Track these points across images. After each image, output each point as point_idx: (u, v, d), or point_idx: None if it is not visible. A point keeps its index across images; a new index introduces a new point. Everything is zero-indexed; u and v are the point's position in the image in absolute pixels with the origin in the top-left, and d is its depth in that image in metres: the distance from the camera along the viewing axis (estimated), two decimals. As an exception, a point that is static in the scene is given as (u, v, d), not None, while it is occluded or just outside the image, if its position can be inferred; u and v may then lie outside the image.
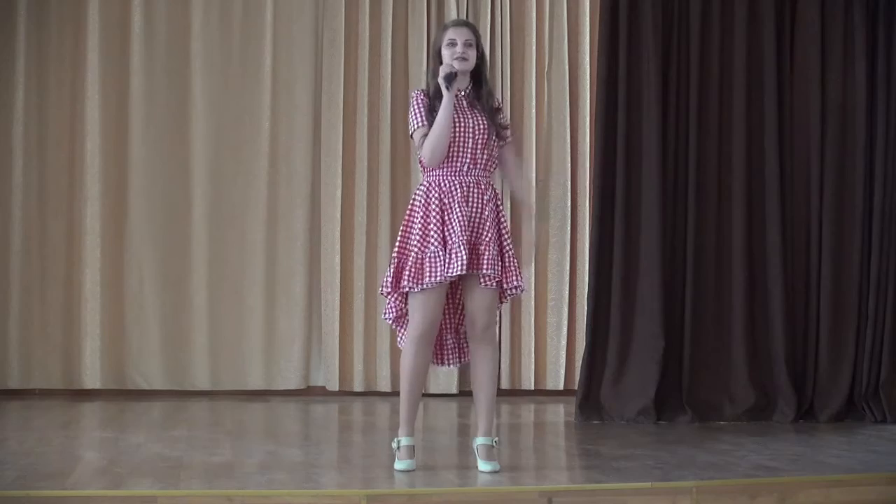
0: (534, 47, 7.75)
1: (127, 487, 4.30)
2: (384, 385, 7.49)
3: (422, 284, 4.61)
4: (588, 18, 7.77)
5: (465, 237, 4.61)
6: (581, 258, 7.65)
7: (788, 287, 6.61)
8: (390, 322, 4.79)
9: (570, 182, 7.75)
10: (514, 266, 4.74)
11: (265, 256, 7.56)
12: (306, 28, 7.63)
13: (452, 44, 4.71)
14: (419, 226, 4.66)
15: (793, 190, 6.69)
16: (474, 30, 4.78)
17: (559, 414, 6.93)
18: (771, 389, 6.58)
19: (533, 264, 7.65)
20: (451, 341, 4.85)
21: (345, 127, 7.58)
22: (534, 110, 7.72)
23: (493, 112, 4.78)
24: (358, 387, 7.55)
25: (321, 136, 7.60)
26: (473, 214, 4.67)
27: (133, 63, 7.47)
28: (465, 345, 4.87)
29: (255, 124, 7.58)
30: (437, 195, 4.67)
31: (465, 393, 7.44)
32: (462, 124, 4.69)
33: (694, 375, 6.56)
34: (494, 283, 4.67)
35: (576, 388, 6.75)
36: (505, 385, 7.65)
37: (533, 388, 7.66)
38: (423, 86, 4.89)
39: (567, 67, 7.77)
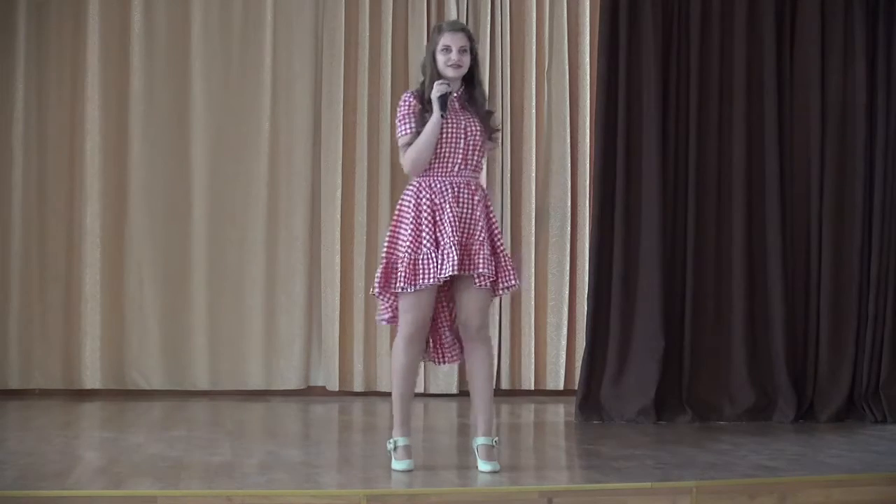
0: (534, 47, 7.75)
1: (127, 487, 4.30)
2: (384, 385, 7.48)
3: (415, 286, 4.61)
4: (588, 18, 7.77)
5: (457, 238, 4.61)
6: (581, 258, 7.65)
7: (788, 287, 6.61)
8: (385, 323, 4.79)
9: (570, 182, 7.75)
10: (509, 264, 4.72)
11: (265, 256, 7.56)
12: (306, 28, 7.63)
13: (447, 49, 4.71)
14: (410, 227, 4.66)
15: (793, 190, 6.69)
16: (469, 34, 4.78)
17: (559, 414, 6.93)
18: (771, 389, 6.58)
19: (532, 264, 7.67)
20: (448, 339, 4.85)
21: (345, 127, 7.58)
22: (534, 110, 7.72)
23: (486, 113, 4.80)
24: (358, 387, 7.55)
25: (321, 136, 7.60)
26: (465, 214, 4.67)
27: (133, 63, 7.47)
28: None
29: (255, 124, 7.58)
30: (427, 196, 4.67)
31: (465, 393, 7.41)
32: (454, 126, 4.69)
33: (694, 375, 6.56)
34: (488, 283, 4.66)
35: (576, 388, 6.75)
36: (505, 385, 7.65)
37: (533, 388, 7.66)
38: (416, 85, 4.86)
39: (567, 67, 7.77)
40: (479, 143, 4.74)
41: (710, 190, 6.64)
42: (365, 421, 6.68)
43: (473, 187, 4.73)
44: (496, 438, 4.78)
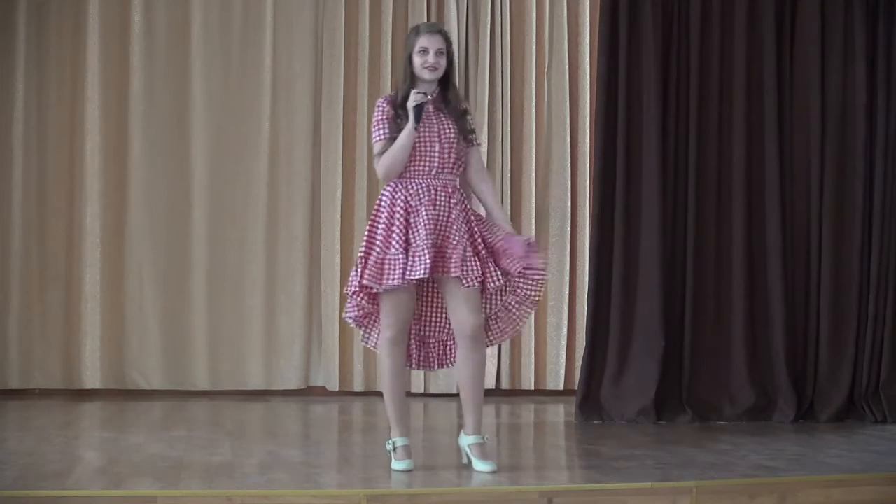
0: (534, 47, 7.75)
1: (127, 487, 4.30)
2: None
3: (380, 284, 4.61)
4: (588, 18, 7.77)
5: (431, 241, 4.60)
6: (581, 258, 7.65)
7: (788, 287, 6.61)
8: (351, 321, 4.79)
9: (570, 182, 7.75)
10: (491, 265, 4.67)
11: (265, 256, 7.56)
12: (306, 28, 7.63)
13: (424, 51, 4.71)
14: (383, 227, 4.68)
15: (793, 190, 6.69)
16: (446, 37, 4.77)
17: (559, 414, 6.93)
18: (771, 389, 6.58)
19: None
20: (451, 342, 4.85)
21: (345, 127, 7.59)
22: (534, 110, 7.72)
23: (459, 115, 4.77)
24: (358, 387, 7.55)
25: (321, 136, 7.60)
26: (440, 217, 4.66)
27: (133, 63, 7.47)
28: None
29: (255, 124, 7.58)
30: (402, 197, 4.68)
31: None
32: (427, 129, 4.69)
33: (694, 375, 6.56)
34: (476, 283, 4.63)
35: (576, 388, 6.75)
36: (505, 385, 7.66)
37: (533, 388, 7.66)
38: (392, 91, 4.86)
39: (567, 67, 7.77)
40: (454, 145, 4.73)
41: (710, 190, 6.63)
42: (365, 421, 6.67)
43: (451, 189, 4.72)
44: (486, 436, 4.76)
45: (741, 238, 6.60)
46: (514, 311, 4.80)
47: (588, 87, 7.74)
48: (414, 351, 4.88)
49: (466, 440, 4.76)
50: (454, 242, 4.63)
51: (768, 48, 6.65)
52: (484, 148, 7.59)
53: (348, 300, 4.76)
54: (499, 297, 4.77)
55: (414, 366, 4.91)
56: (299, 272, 7.58)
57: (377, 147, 4.73)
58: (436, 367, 4.91)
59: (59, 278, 7.43)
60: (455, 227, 4.65)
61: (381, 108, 4.76)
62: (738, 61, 6.64)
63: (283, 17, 7.62)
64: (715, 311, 6.61)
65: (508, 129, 7.69)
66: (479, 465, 4.67)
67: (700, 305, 6.59)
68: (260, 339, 7.54)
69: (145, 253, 7.48)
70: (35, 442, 5.46)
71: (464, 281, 4.60)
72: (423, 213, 4.64)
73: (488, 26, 7.68)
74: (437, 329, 4.86)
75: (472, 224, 4.73)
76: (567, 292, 7.70)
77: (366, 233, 4.74)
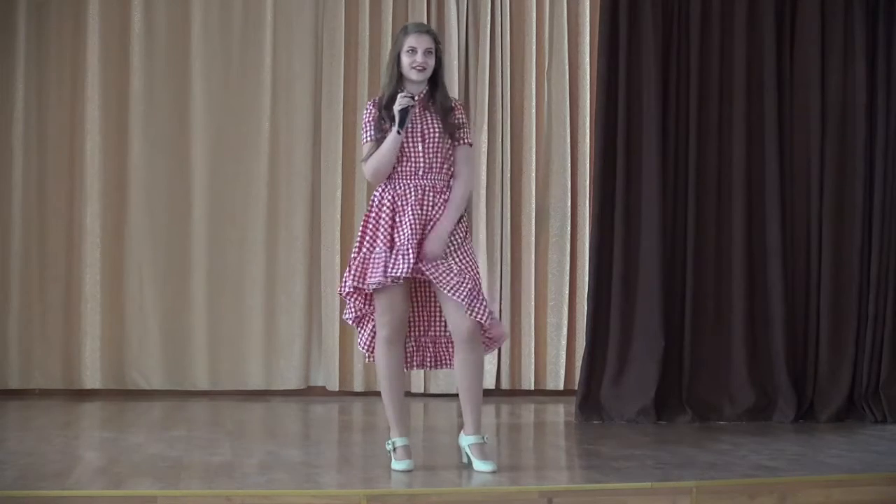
0: (534, 47, 7.75)
1: (127, 487, 4.30)
2: (384, 385, 7.48)
3: (364, 283, 4.64)
4: (588, 18, 7.77)
5: (416, 240, 4.62)
6: (581, 258, 7.65)
7: (788, 287, 6.61)
8: (351, 322, 4.81)
9: (570, 182, 7.75)
10: (456, 271, 4.65)
11: (265, 256, 7.56)
12: (306, 28, 7.63)
13: (412, 51, 4.71)
14: (371, 228, 4.71)
15: (793, 190, 6.69)
16: (435, 36, 4.78)
17: (559, 414, 6.93)
18: (771, 389, 6.58)
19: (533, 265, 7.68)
20: (443, 341, 4.86)
21: (345, 127, 7.59)
22: (534, 110, 7.72)
23: (446, 112, 4.76)
24: (358, 387, 7.55)
25: (321, 136, 7.60)
26: (426, 217, 4.68)
27: (133, 63, 7.47)
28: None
29: (255, 124, 7.58)
30: (390, 198, 4.70)
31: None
32: (411, 128, 4.70)
33: (694, 375, 6.56)
34: (454, 294, 4.61)
35: (576, 388, 6.75)
36: (505, 385, 7.66)
37: (533, 388, 7.66)
38: (380, 90, 4.86)
39: (567, 67, 7.77)
40: (439, 144, 4.73)
41: (710, 190, 6.63)
42: (365, 421, 6.68)
43: (439, 189, 4.73)
44: (486, 435, 4.77)
45: (741, 238, 6.60)
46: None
47: (588, 87, 7.73)
48: (410, 351, 4.88)
49: (466, 440, 4.76)
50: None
51: (768, 48, 6.65)
52: (484, 148, 7.61)
53: (347, 301, 4.78)
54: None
55: (409, 366, 4.91)
56: (299, 272, 7.58)
57: (364, 150, 4.78)
58: (430, 366, 4.91)
59: (59, 278, 7.43)
60: (431, 227, 4.68)
61: (367, 111, 4.80)
62: (738, 61, 6.64)
63: (283, 17, 7.62)
64: (715, 312, 6.61)
65: (508, 129, 7.69)
66: (480, 465, 4.67)
67: (700, 305, 6.59)
68: (260, 339, 7.54)
69: (145, 253, 7.48)
70: (35, 442, 5.46)
71: (445, 291, 4.61)
72: (409, 212, 4.66)
73: (488, 26, 7.68)
74: (428, 327, 4.87)
75: (461, 224, 4.74)
76: (567, 292, 7.70)
77: (357, 235, 4.77)
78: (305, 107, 7.61)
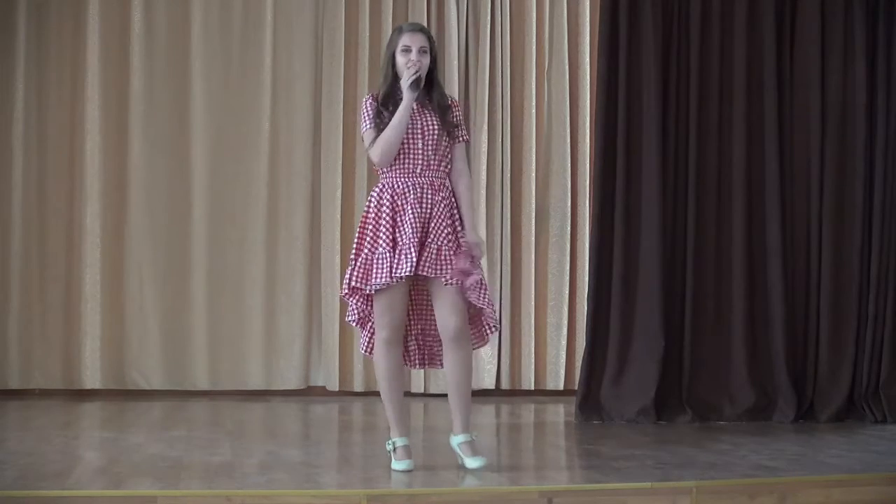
0: (534, 47, 7.75)
1: (127, 487, 4.31)
2: (384, 385, 7.47)
3: (368, 284, 4.63)
4: (588, 18, 7.77)
5: (417, 238, 4.62)
6: (581, 258, 7.65)
7: (788, 287, 6.61)
8: (354, 324, 4.80)
9: (570, 182, 7.75)
10: (452, 263, 4.67)
11: (265, 256, 7.56)
12: (306, 28, 7.63)
13: (407, 50, 4.73)
14: (371, 228, 4.70)
15: (793, 190, 6.69)
16: (429, 35, 4.80)
17: (559, 414, 6.93)
18: (771, 389, 6.58)
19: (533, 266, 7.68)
20: (430, 340, 4.86)
21: (345, 127, 7.59)
22: (534, 110, 7.72)
23: (444, 110, 4.78)
24: (358, 387, 7.55)
25: (321, 136, 7.60)
26: (425, 215, 4.67)
27: (133, 63, 7.48)
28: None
29: (255, 124, 7.58)
30: (389, 196, 4.70)
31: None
32: (411, 125, 4.71)
33: (694, 375, 6.56)
34: (452, 281, 4.64)
35: (576, 388, 6.75)
36: (505, 385, 7.65)
37: (533, 388, 7.66)
38: (377, 88, 4.87)
39: (567, 67, 7.77)
40: (438, 141, 4.74)
41: (710, 190, 6.63)
42: (365, 421, 6.68)
43: (437, 186, 4.73)
44: (475, 433, 4.76)
45: (741, 238, 6.60)
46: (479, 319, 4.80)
47: (588, 87, 7.73)
48: (413, 350, 4.88)
49: (456, 440, 4.76)
50: (430, 240, 4.65)
51: (768, 48, 6.65)
52: (484, 148, 7.61)
53: (349, 303, 4.77)
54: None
55: (412, 365, 4.91)
56: (299, 272, 7.58)
57: (368, 137, 4.76)
58: (438, 364, 4.90)
59: (59, 278, 7.43)
60: (433, 224, 4.67)
61: (366, 104, 4.80)
62: (738, 61, 6.64)
63: (283, 17, 7.62)
64: (715, 312, 6.61)
65: (508, 129, 7.69)
66: (470, 462, 4.66)
67: (700, 305, 6.59)
68: (260, 339, 7.54)
69: (145, 253, 7.48)
70: (35, 442, 5.46)
71: (443, 279, 4.62)
72: (409, 211, 4.66)
73: (488, 26, 7.68)
74: (429, 325, 4.85)
75: (456, 221, 4.74)
76: (567, 292, 7.70)
77: (356, 236, 4.76)
78: (305, 107, 7.61)
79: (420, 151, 4.71)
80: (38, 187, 7.44)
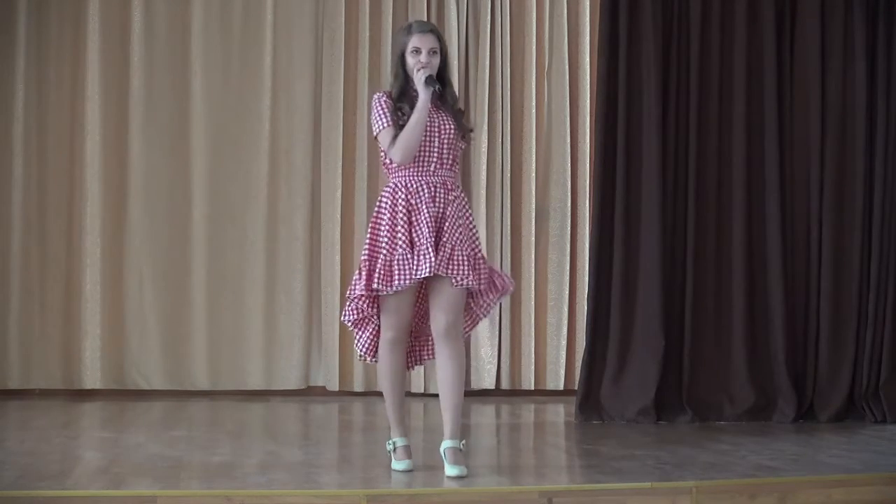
0: (534, 47, 7.74)
1: (127, 487, 4.30)
2: (384, 385, 7.47)
3: (391, 286, 4.58)
4: (588, 18, 7.77)
5: (432, 238, 4.58)
6: (581, 258, 7.65)
7: (788, 287, 6.61)
8: (350, 325, 4.75)
9: (570, 182, 7.75)
10: (470, 263, 4.64)
11: (265, 256, 7.56)
12: (306, 28, 7.63)
13: (417, 51, 4.70)
14: (387, 227, 4.64)
15: (793, 190, 6.69)
16: (438, 35, 4.77)
17: (559, 414, 6.93)
18: (771, 389, 6.58)
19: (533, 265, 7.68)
20: (423, 339, 4.85)
21: (345, 127, 7.59)
22: (534, 110, 7.72)
23: (458, 114, 4.77)
24: (358, 387, 7.55)
25: (321, 136, 7.60)
26: (438, 214, 4.64)
27: (133, 63, 7.48)
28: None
29: (255, 124, 7.58)
30: (403, 196, 4.65)
31: (465, 393, 7.42)
32: (428, 124, 4.67)
33: (694, 375, 6.56)
34: (466, 283, 4.61)
35: (576, 388, 6.75)
36: (505, 385, 7.65)
37: (533, 388, 7.65)
38: (388, 88, 4.84)
39: (567, 67, 7.77)
40: (453, 141, 4.72)
41: (710, 190, 6.63)
42: (365, 421, 6.68)
43: (449, 186, 4.70)
44: (464, 442, 4.69)
45: (741, 238, 6.60)
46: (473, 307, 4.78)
47: (588, 87, 7.73)
48: (408, 351, 4.86)
49: (443, 444, 4.66)
50: (444, 240, 4.61)
51: (768, 48, 6.65)
52: (484, 148, 7.61)
53: (347, 303, 4.72)
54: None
55: (410, 366, 4.90)
56: (299, 272, 7.58)
57: (383, 134, 4.67)
58: (412, 366, 4.87)
59: (59, 278, 7.43)
60: (447, 224, 4.64)
61: (380, 101, 4.72)
62: (738, 61, 6.64)
63: (283, 17, 7.62)
64: (715, 311, 6.61)
65: (508, 129, 7.69)
66: (449, 470, 4.57)
67: (700, 305, 6.59)
68: (260, 339, 7.54)
69: (145, 253, 7.48)
70: (35, 442, 5.46)
71: (453, 280, 4.59)
72: (424, 210, 4.62)
73: (488, 26, 7.68)
74: (416, 323, 4.82)
75: (471, 226, 4.73)
76: (567, 292, 7.70)
77: (368, 236, 4.70)
78: (305, 107, 7.61)
79: (435, 151, 4.68)
80: (38, 187, 7.43)
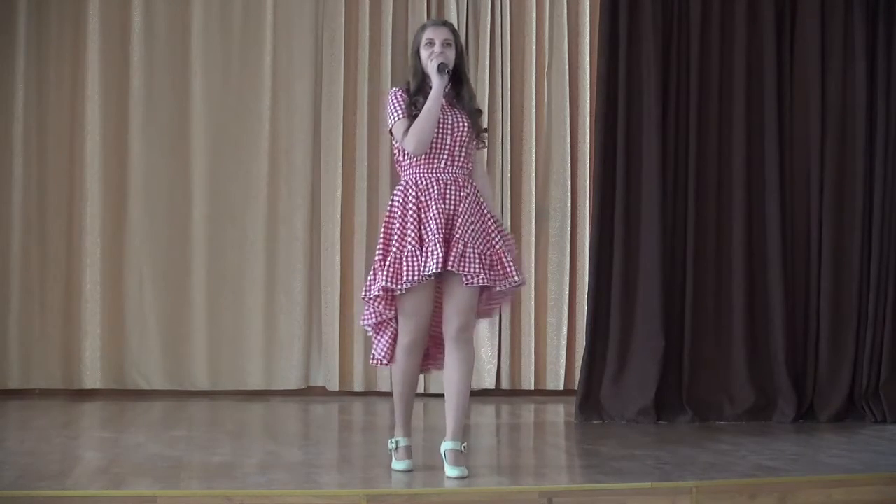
0: (534, 47, 7.75)
1: (127, 487, 4.30)
2: (384, 385, 7.48)
3: (400, 283, 4.54)
4: (588, 18, 7.77)
5: (442, 235, 4.54)
6: (581, 258, 7.65)
7: (788, 287, 6.61)
8: (369, 330, 4.71)
9: (570, 182, 7.75)
10: (506, 264, 4.63)
11: (265, 256, 7.56)
12: (306, 28, 7.63)
13: (430, 43, 4.66)
14: (398, 226, 4.61)
15: (793, 190, 6.69)
16: (453, 29, 4.73)
17: (559, 414, 6.93)
18: (771, 389, 6.58)
19: (532, 265, 7.67)
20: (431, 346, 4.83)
21: (345, 127, 7.59)
22: (534, 110, 7.72)
23: (473, 113, 4.73)
24: (358, 387, 7.55)
25: (321, 136, 7.60)
26: (449, 211, 4.59)
27: (133, 63, 7.48)
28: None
29: (255, 124, 7.58)
30: (413, 193, 4.62)
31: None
32: (441, 121, 4.63)
33: (694, 375, 6.56)
34: (476, 282, 4.56)
35: (576, 388, 6.75)
36: (505, 385, 7.66)
37: (533, 388, 7.66)
38: (403, 84, 4.81)
39: (567, 67, 7.77)
40: (466, 140, 4.68)
41: (710, 190, 6.64)
42: (365, 421, 6.68)
43: (461, 183, 4.65)
44: (465, 444, 4.66)
45: (741, 238, 6.60)
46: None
47: (588, 87, 7.74)
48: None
49: (444, 445, 4.65)
50: (456, 237, 4.57)
51: (768, 48, 6.65)
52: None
53: (365, 307, 4.69)
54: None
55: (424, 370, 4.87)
56: (299, 272, 7.58)
57: (398, 126, 4.63)
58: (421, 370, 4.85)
59: (59, 278, 7.43)
60: (460, 222, 4.59)
61: (395, 95, 4.68)
62: (738, 61, 6.64)
63: (283, 17, 7.62)
64: (715, 311, 6.61)
65: (508, 129, 7.69)
66: (450, 471, 4.56)
67: (700, 305, 6.59)
68: (260, 339, 7.54)
69: (145, 253, 7.48)
70: (35, 442, 5.46)
71: (464, 279, 4.56)
72: (434, 207, 4.58)
73: (488, 26, 7.68)
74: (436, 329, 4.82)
75: (488, 222, 4.67)
76: (567, 292, 7.70)
77: (381, 235, 4.65)
78: (305, 107, 7.61)
79: (447, 147, 4.64)
80: (38, 187, 7.44)
